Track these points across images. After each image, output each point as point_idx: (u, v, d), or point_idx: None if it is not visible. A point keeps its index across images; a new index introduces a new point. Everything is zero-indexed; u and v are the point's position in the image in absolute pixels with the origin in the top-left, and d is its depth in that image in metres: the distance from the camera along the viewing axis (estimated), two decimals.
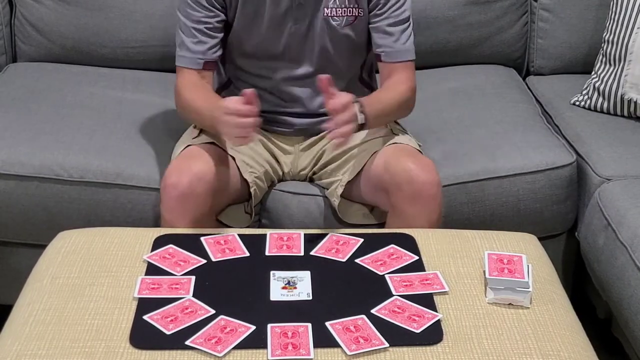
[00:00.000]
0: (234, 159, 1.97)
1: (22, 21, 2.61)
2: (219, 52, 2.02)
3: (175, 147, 2.04)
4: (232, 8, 1.98)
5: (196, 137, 1.99)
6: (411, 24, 2.02)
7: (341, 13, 1.98)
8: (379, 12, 1.99)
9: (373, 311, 1.53)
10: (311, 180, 2.13)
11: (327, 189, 2.06)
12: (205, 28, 1.97)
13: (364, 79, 2.14)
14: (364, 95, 2.07)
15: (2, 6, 2.61)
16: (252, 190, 1.98)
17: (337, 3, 1.97)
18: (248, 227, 2.00)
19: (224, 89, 2.13)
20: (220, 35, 2.00)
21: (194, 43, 1.98)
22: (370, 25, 2.01)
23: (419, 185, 1.85)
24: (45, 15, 2.58)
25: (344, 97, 1.78)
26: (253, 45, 2.01)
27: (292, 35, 1.99)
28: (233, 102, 1.76)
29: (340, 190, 1.99)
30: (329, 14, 1.98)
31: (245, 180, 1.97)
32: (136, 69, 2.61)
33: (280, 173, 2.12)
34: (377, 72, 2.12)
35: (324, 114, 2.03)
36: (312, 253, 1.71)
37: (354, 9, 1.98)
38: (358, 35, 2.02)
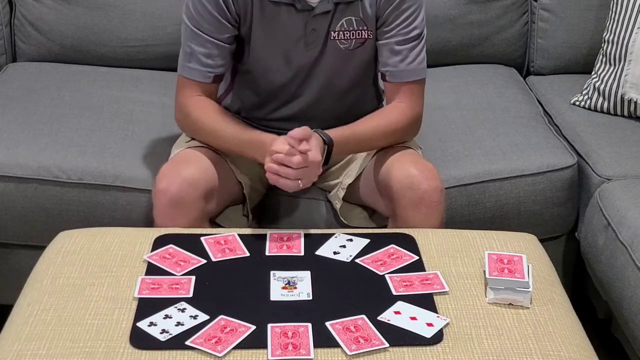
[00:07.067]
0: (227, 161, 1.94)
1: (21, 21, 2.61)
2: (229, 66, 1.95)
3: (171, 151, 2.00)
4: (245, 25, 1.90)
5: (190, 140, 1.96)
6: (423, 42, 1.93)
7: (349, 36, 1.90)
8: (386, 29, 1.90)
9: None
10: (312, 184, 2.12)
11: (329, 192, 2.05)
12: (218, 40, 1.87)
13: (377, 87, 2.07)
14: (375, 102, 2.05)
15: (2, 6, 2.61)
16: (245, 192, 1.96)
17: (345, 26, 1.89)
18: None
19: (227, 94, 2.08)
20: (232, 47, 1.91)
21: (206, 55, 1.88)
22: (378, 42, 1.92)
23: (421, 193, 1.82)
24: (45, 14, 2.58)
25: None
26: (265, 65, 1.94)
27: (305, 58, 1.92)
28: (281, 145, 1.71)
29: (342, 194, 1.98)
30: (335, 37, 1.90)
31: (240, 183, 1.96)
32: (136, 68, 2.61)
33: None
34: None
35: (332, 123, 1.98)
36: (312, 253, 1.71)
37: (362, 31, 1.90)
38: (368, 55, 1.95)
